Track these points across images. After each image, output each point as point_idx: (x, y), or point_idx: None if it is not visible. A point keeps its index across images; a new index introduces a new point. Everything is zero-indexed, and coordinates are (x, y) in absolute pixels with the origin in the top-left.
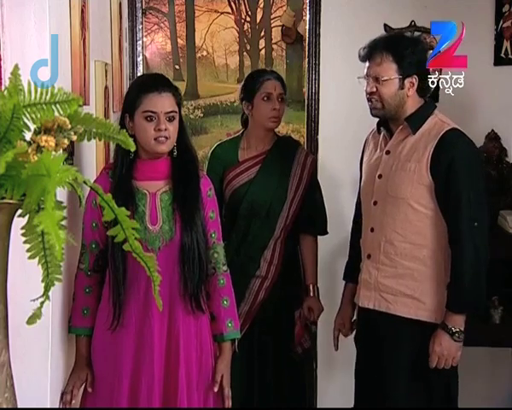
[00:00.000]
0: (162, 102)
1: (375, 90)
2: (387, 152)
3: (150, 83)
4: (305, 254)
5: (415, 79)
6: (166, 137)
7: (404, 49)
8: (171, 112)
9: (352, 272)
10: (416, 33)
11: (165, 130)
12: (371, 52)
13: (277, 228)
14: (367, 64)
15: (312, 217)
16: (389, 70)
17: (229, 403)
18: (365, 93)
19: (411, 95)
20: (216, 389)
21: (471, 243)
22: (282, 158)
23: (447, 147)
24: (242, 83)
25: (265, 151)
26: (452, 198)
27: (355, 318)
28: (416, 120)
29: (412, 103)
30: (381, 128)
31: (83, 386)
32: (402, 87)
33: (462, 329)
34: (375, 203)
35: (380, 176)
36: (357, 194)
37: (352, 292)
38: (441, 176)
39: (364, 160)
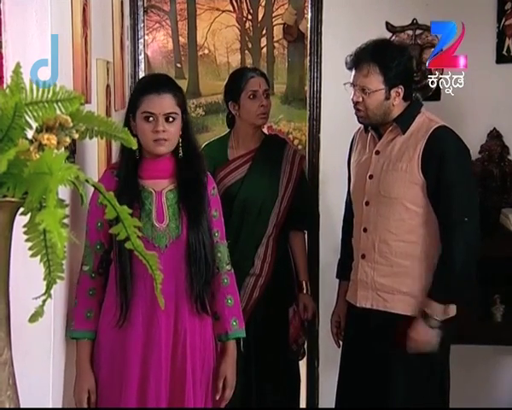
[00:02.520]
0: (161, 104)
1: (361, 100)
2: (377, 152)
3: (150, 83)
4: (297, 250)
5: (401, 89)
6: (165, 139)
7: (390, 60)
8: (171, 113)
9: (346, 270)
10: (418, 31)
11: (164, 131)
12: (358, 61)
13: (270, 225)
14: (353, 72)
15: (302, 214)
16: (375, 81)
17: (224, 404)
18: (352, 101)
19: (397, 103)
20: (218, 397)
21: (462, 238)
22: (272, 155)
23: (436, 144)
24: (225, 83)
25: (254, 149)
26: (443, 194)
27: None
28: (404, 121)
29: (397, 109)
30: (369, 128)
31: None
32: (388, 98)
33: (440, 318)
34: (366, 204)
35: (371, 176)
36: (347, 193)
37: (346, 290)
38: (432, 173)
39: (353, 160)
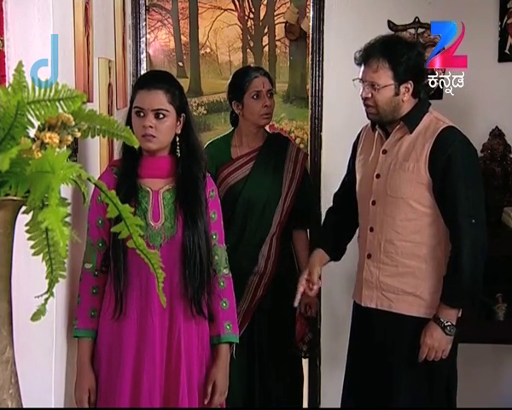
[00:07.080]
0: (150, 99)
1: (370, 96)
2: (384, 151)
3: (143, 79)
4: (300, 249)
5: (410, 85)
6: (153, 136)
7: (400, 55)
8: (160, 109)
9: (326, 239)
10: (420, 30)
11: (151, 127)
12: (367, 57)
13: (273, 224)
14: (362, 68)
15: (305, 212)
16: (385, 77)
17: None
18: (361, 97)
19: (406, 99)
20: (206, 402)
21: (469, 240)
22: (275, 154)
23: (444, 145)
24: (229, 82)
25: (258, 148)
26: (450, 196)
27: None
28: (412, 120)
29: (407, 105)
30: (376, 127)
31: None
32: (397, 93)
33: (454, 323)
34: (373, 203)
35: (378, 176)
36: (340, 185)
37: (320, 257)
38: (439, 174)
39: (359, 158)
